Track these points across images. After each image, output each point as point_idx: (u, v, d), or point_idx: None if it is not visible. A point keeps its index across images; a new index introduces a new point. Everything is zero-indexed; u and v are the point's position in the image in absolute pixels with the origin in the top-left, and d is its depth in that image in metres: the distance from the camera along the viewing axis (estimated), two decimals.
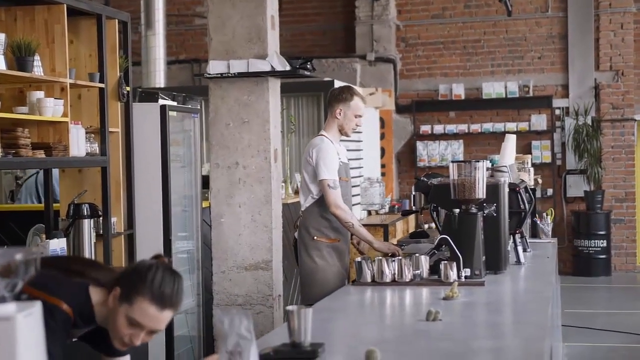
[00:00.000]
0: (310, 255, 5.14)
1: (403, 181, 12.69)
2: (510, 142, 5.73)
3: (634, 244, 12.32)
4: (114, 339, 2.65)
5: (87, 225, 5.36)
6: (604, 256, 11.94)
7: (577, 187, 12.24)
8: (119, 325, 2.59)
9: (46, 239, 5.19)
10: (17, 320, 1.65)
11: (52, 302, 2.55)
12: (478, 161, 4.34)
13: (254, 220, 5.38)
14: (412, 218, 10.45)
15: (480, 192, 4.29)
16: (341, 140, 5.40)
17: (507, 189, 4.62)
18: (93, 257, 5.54)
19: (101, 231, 5.59)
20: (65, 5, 5.17)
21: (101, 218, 5.56)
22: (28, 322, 1.67)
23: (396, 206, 10.27)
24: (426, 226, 8.67)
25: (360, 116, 5.24)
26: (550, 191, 12.22)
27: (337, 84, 8.57)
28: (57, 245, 5.02)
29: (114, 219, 5.72)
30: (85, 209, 5.37)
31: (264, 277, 5.40)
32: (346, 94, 5.23)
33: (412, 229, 9.80)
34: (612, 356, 7.65)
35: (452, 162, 4.37)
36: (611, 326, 8.59)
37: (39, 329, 1.72)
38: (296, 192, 8.54)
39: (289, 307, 2.63)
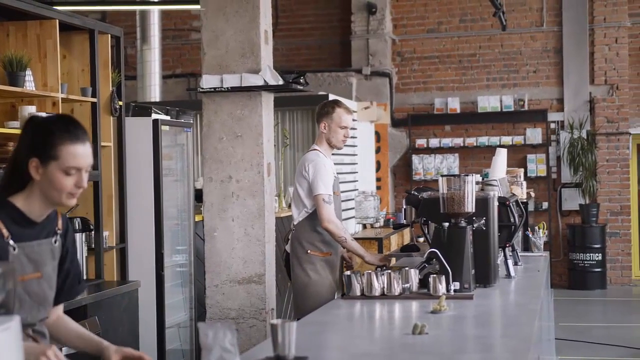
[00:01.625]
0: (304, 269, 5.18)
1: (399, 194, 12.70)
2: (501, 156, 5.76)
3: (629, 257, 12.32)
4: (60, 200, 2.64)
5: (79, 239, 5.37)
6: (599, 269, 11.94)
7: (572, 200, 12.26)
8: (59, 183, 2.61)
9: None
10: None
11: None
12: (467, 175, 4.35)
13: (247, 234, 5.39)
14: (407, 231, 10.46)
15: (470, 206, 4.30)
16: (333, 154, 5.44)
17: (496, 203, 4.63)
18: (85, 272, 5.55)
19: (93, 245, 5.60)
20: (57, 20, 5.20)
21: (93, 232, 5.58)
22: (5, 336, 1.68)
23: (391, 220, 10.29)
24: (422, 239, 8.68)
25: (345, 127, 5.29)
26: (545, 204, 12.24)
27: (332, 97, 8.59)
28: None
29: (106, 233, 5.74)
30: (77, 223, 5.38)
31: (257, 291, 5.40)
32: (328, 107, 5.33)
33: (407, 243, 9.81)
34: None
35: (442, 176, 4.38)
36: (606, 339, 8.59)
37: (17, 343, 1.73)
38: (289, 206, 8.55)
39: (273, 321, 2.64)
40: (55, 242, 2.75)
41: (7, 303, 1.83)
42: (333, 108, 5.30)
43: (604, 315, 10.62)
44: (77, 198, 2.70)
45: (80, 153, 2.63)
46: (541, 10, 12.49)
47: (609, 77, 12.29)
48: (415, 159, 12.58)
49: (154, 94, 10.95)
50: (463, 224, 4.31)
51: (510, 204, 4.96)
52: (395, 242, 9.52)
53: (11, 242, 2.59)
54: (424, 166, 12.56)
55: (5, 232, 2.58)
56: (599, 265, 11.92)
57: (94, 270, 5.63)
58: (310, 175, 5.13)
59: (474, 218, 4.40)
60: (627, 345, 8.27)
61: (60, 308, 2.89)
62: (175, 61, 13.33)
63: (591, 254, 11.88)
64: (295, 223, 5.28)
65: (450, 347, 3.15)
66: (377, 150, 12.05)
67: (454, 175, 4.36)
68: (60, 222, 2.79)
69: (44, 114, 2.74)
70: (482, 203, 4.45)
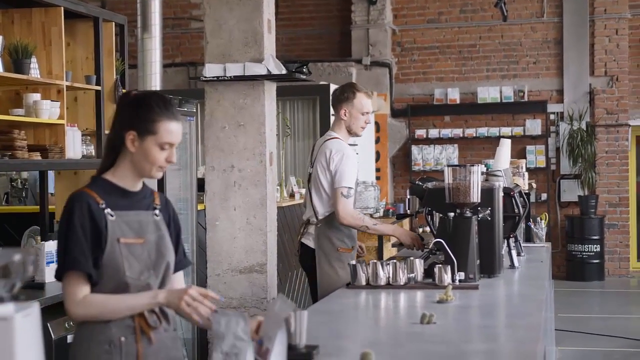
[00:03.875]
0: (333, 267, 5.00)
1: (398, 185, 12.71)
2: (505, 146, 5.76)
3: (627, 249, 12.35)
4: (151, 172, 2.81)
5: None
6: (597, 261, 11.98)
7: (571, 191, 12.28)
8: (153, 156, 2.78)
9: (41, 240, 5.19)
10: (15, 320, 1.66)
11: (74, 192, 2.79)
12: (473, 165, 4.35)
13: (249, 223, 5.38)
14: (407, 222, 10.48)
15: (475, 196, 4.30)
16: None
17: (501, 193, 4.64)
18: None
19: None
20: (62, 7, 5.19)
21: None
22: (26, 322, 1.68)
23: (391, 210, 10.29)
24: (420, 230, 8.68)
25: (367, 113, 5.09)
26: (544, 196, 12.26)
27: (333, 87, 8.59)
28: (52, 248, 5.00)
29: None
30: None
31: (259, 280, 5.40)
32: (348, 92, 5.10)
33: None
34: None
35: (448, 166, 4.37)
36: (604, 330, 8.62)
37: (37, 329, 1.73)
38: (291, 196, 8.55)
39: None
40: (156, 215, 2.88)
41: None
42: (353, 93, 5.06)
43: (602, 306, 10.65)
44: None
45: (176, 130, 2.81)
46: (542, 2, 12.48)
47: (609, 69, 12.30)
48: (414, 149, 12.58)
49: (155, 82, 10.89)
50: (468, 214, 4.31)
51: (514, 194, 4.97)
52: None
53: (107, 209, 2.75)
54: (424, 157, 12.57)
55: (100, 200, 2.74)
56: (597, 257, 11.96)
57: None
58: (334, 165, 4.90)
59: (479, 208, 4.40)
60: (625, 336, 8.30)
61: (177, 279, 2.99)
62: (174, 50, 13.31)
63: (589, 246, 11.91)
64: (320, 218, 5.02)
65: (458, 337, 3.16)
66: (377, 141, 12.05)
67: (459, 166, 4.36)
68: (157, 199, 2.94)
69: (135, 91, 2.92)
70: (488, 193, 4.45)
